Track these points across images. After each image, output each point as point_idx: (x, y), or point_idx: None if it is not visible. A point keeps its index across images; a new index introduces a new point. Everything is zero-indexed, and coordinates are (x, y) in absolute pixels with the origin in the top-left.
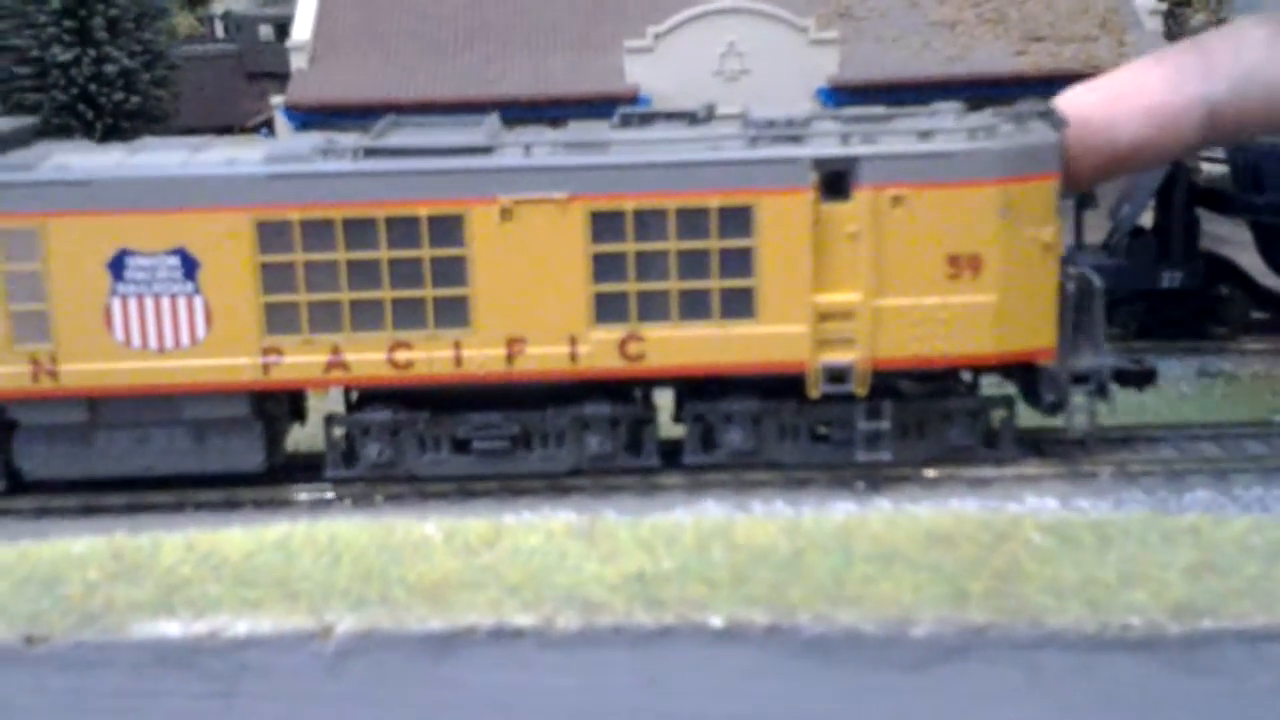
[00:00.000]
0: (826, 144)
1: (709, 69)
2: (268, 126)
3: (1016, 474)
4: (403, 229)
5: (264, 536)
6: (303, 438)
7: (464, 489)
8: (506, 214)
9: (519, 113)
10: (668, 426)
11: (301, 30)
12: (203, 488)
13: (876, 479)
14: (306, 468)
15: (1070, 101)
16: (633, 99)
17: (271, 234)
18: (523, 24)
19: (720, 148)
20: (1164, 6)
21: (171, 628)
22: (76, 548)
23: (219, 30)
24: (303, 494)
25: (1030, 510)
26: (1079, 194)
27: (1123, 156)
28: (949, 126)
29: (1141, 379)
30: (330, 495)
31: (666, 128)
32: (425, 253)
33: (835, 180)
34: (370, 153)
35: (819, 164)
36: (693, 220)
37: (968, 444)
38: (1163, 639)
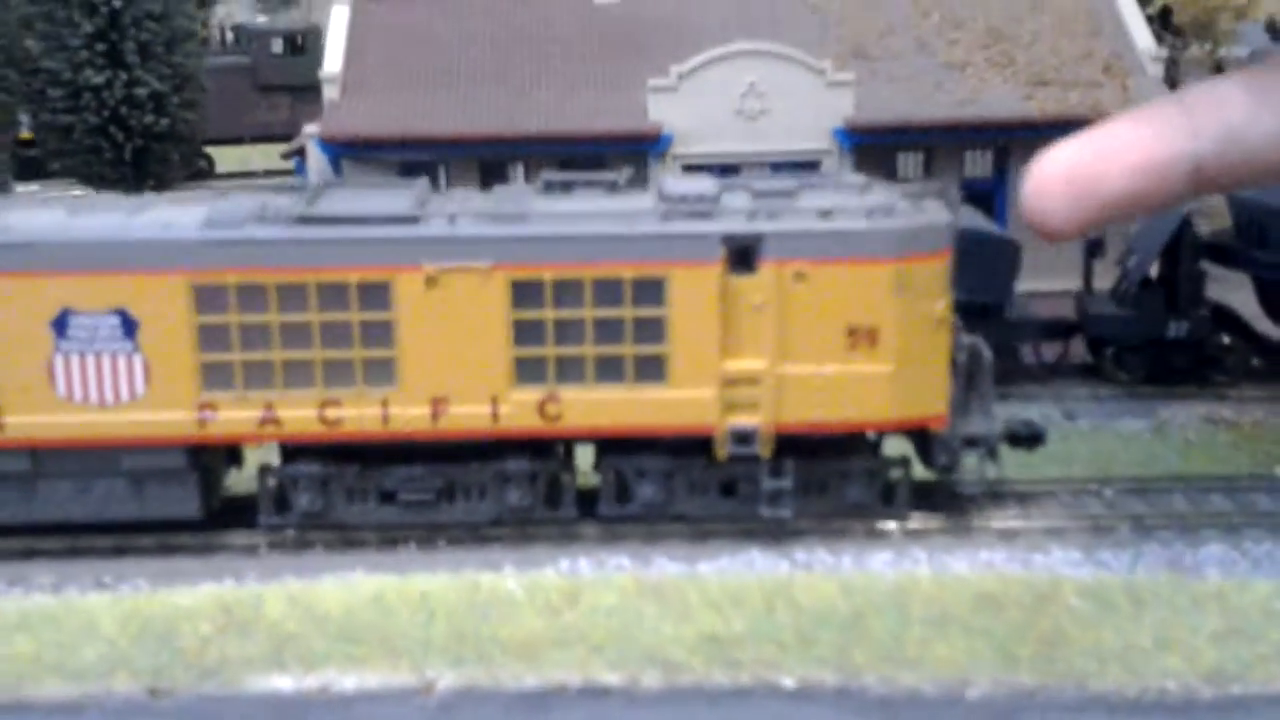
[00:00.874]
0: (734, 221)
1: (730, 108)
2: (300, 155)
3: (1044, 527)
4: (333, 293)
5: (360, 591)
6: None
7: (526, 534)
8: (432, 281)
9: (545, 149)
10: (587, 475)
11: (332, 63)
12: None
13: (918, 535)
14: (244, 510)
15: (1055, 156)
16: (656, 138)
17: (208, 296)
18: (547, 60)
19: (635, 222)
20: (1164, 53)
21: (284, 682)
22: (183, 600)
23: (227, 37)
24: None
25: (1058, 563)
26: (1088, 242)
27: (1110, 211)
28: (850, 206)
29: (1031, 441)
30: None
31: (586, 197)
32: (354, 316)
33: (742, 255)
34: (303, 220)
35: (727, 240)
36: (608, 290)
37: (866, 501)
38: (1197, 703)
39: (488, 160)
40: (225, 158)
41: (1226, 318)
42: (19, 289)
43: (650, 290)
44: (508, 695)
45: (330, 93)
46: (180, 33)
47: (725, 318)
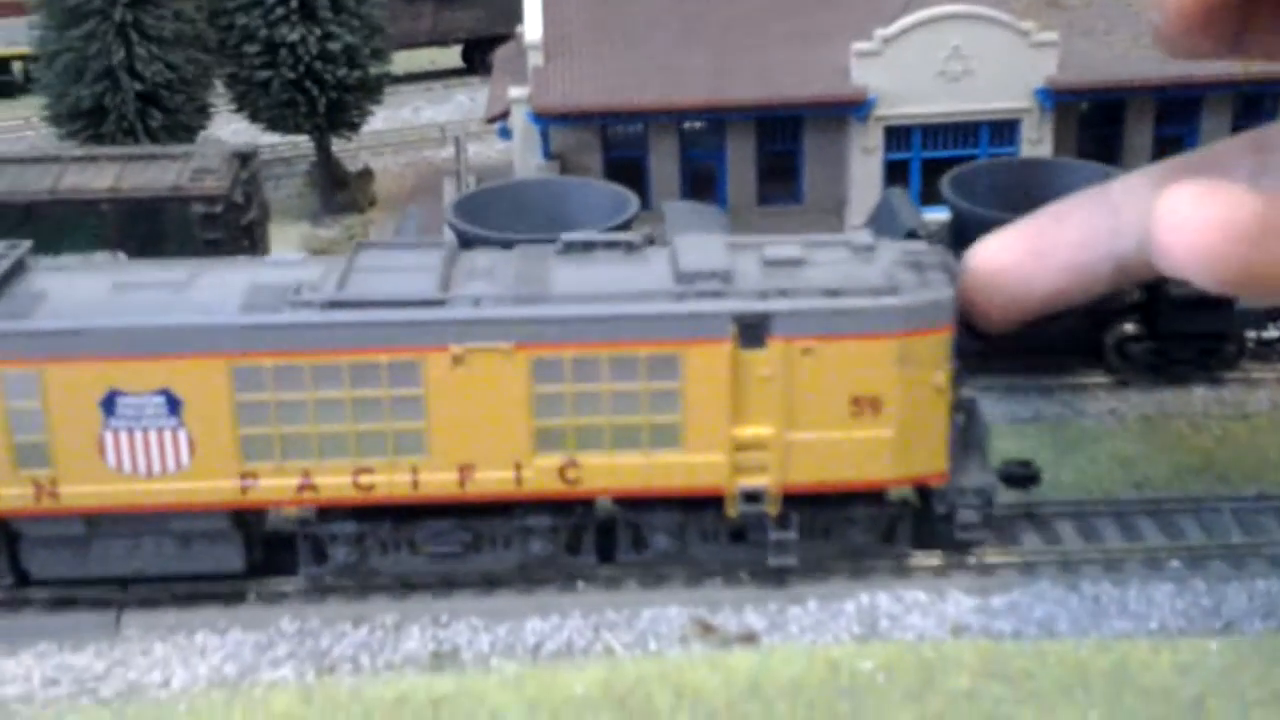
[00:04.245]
0: (745, 300)
1: (933, 70)
2: (504, 118)
3: (1147, 556)
4: (365, 372)
5: (734, 676)
6: None
7: (823, 566)
8: (458, 360)
9: (747, 116)
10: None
11: (533, 29)
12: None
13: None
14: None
15: (987, 254)
16: (861, 101)
17: (247, 376)
18: (742, 16)
19: (651, 301)
20: None
21: None
22: (576, 688)
23: None
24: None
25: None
26: None
27: (1042, 307)
28: (855, 281)
29: (1027, 481)
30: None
31: (604, 264)
32: (384, 392)
33: (752, 331)
34: (334, 305)
35: (738, 318)
36: (624, 366)
37: (868, 542)
38: None
39: (689, 128)
40: None
41: None
42: (69, 373)
43: (665, 364)
44: None
45: (534, 59)
46: None
47: (735, 388)
